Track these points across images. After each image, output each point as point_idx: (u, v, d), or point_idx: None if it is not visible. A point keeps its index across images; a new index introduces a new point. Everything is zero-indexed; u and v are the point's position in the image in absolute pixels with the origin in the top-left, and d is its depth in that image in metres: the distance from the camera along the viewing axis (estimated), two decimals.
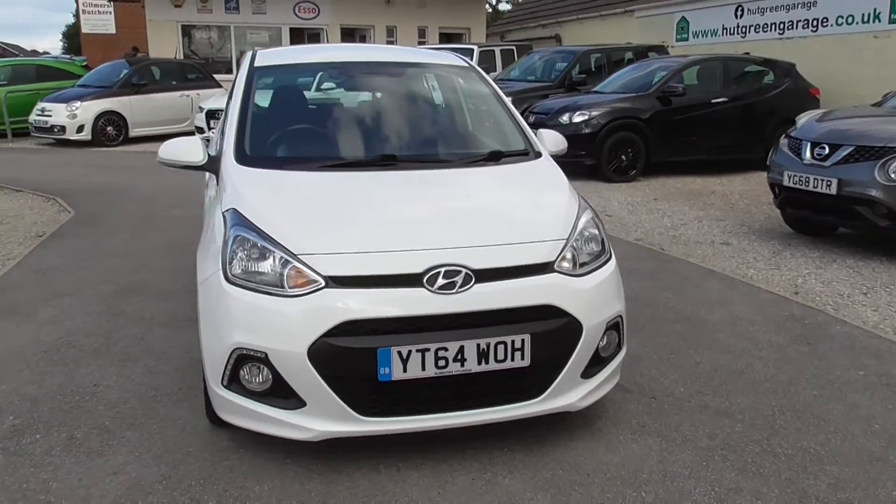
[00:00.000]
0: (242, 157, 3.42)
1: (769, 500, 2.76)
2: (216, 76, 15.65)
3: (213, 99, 13.67)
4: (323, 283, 2.71)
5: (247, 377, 2.78)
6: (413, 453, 3.01)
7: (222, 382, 2.82)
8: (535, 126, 10.22)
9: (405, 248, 2.81)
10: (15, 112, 14.60)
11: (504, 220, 3.10)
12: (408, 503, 2.73)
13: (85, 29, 29.95)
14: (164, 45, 17.63)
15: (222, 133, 3.74)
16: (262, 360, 2.71)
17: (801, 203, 6.40)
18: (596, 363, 3.06)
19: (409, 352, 2.67)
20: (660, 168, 10.50)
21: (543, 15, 21.56)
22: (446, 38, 20.29)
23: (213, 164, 3.56)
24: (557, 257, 2.95)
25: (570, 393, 2.98)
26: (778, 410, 3.44)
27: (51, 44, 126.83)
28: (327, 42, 19.18)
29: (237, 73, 4.00)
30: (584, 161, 10.06)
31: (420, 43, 19.11)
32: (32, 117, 14.28)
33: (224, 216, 3.05)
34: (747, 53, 12.56)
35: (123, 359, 3.98)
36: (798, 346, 4.20)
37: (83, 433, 3.21)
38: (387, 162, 3.48)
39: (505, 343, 2.76)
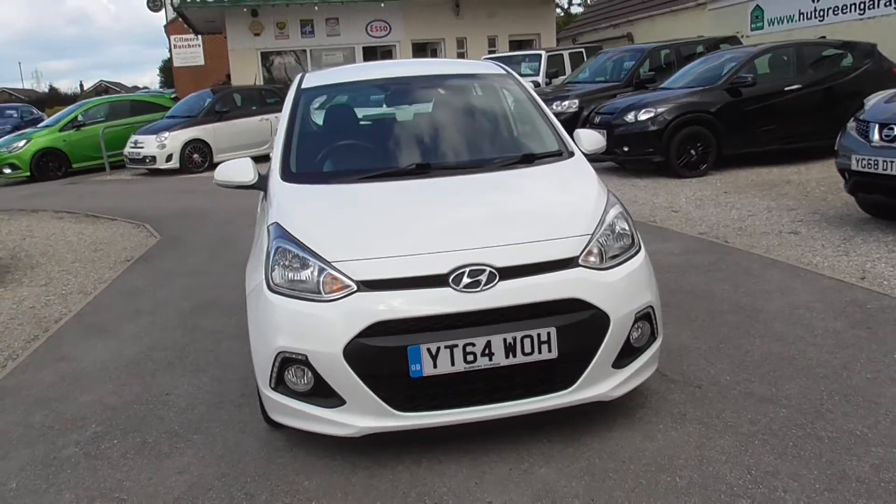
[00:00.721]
0: (287, 175, 3.65)
1: (807, 482, 2.75)
2: None
3: None
4: (355, 288, 2.89)
5: (292, 379, 2.97)
6: (453, 447, 3.13)
7: (270, 385, 3.03)
8: (601, 127, 10.34)
9: (431, 250, 2.96)
10: (112, 146, 15.60)
11: (530, 218, 3.20)
12: (446, 492, 2.86)
13: (176, 62, 31.60)
14: (246, 71, 18.45)
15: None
16: (303, 361, 2.90)
17: (872, 187, 6.18)
18: (628, 353, 3.11)
19: (438, 348, 2.81)
20: (733, 161, 10.26)
21: (615, 15, 21.39)
22: (517, 45, 20.39)
23: (262, 183, 3.81)
24: (582, 252, 3.03)
25: (601, 383, 3.04)
26: (826, 395, 3.39)
27: (150, 79, 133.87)
28: (399, 59, 19.62)
29: (287, 96, 4.26)
30: (652, 158, 9.97)
31: (490, 52, 19.26)
32: (126, 150, 15.20)
33: (268, 230, 3.28)
34: (823, 37, 12.12)
35: (194, 369, 4.27)
36: (856, 331, 4.10)
37: (154, 437, 3.48)
38: (421, 170, 3.64)
39: (531, 336, 2.86)
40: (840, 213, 7.11)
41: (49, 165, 15.49)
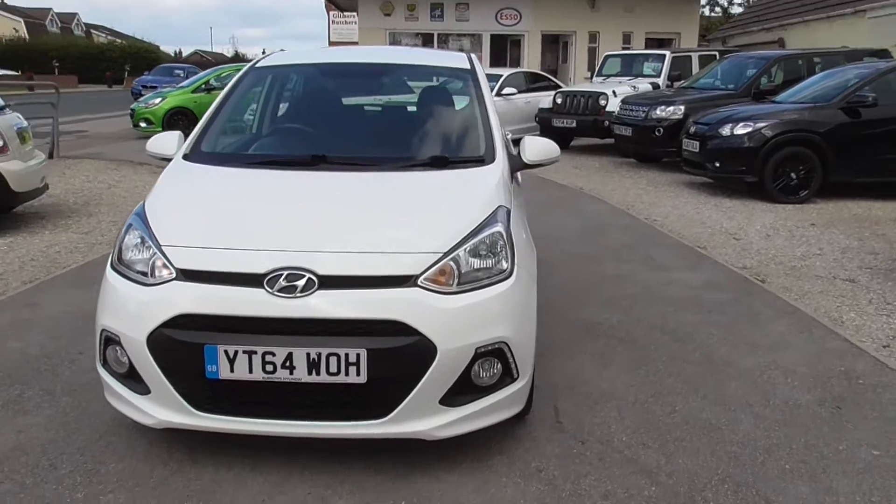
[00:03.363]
0: (194, 153, 3.53)
1: None
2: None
3: None
4: (174, 276, 2.73)
5: (112, 358, 2.87)
6: (281, 458, 2.92)
7: (98, 361, 2.95)
8: (695, 137, 9.57)
9: (257, 247, 2.74)
10: None
11: (383, 226, 2.90)
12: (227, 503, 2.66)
13: (333, 37, 32.82)
14: None
15: None
16: (118, 343, 2.79)
17: None
18: (465, 391, 2.75)
19: (236, 352, 2.60)
20: (844, 189, 9.17)
21: (768, 18, 19.80)
22: (656, 43, 19.32)
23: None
24: (424, 271, 2.70)
25: (424, 419, 2.71)
26: (717, 481, 2.86)
27: None
28: (527, 49, 19.20)
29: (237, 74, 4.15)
30: (744, 178, 9.10)
31: (624, 48, 18.40)
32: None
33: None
34: None
35: None
36: (820, 409, 3.45)
37: (31, 394, 3.49)
38: (316, 162, 3.40)
39: (338, 355, 2.59)
40: None
41: (179, 123, 16.42)
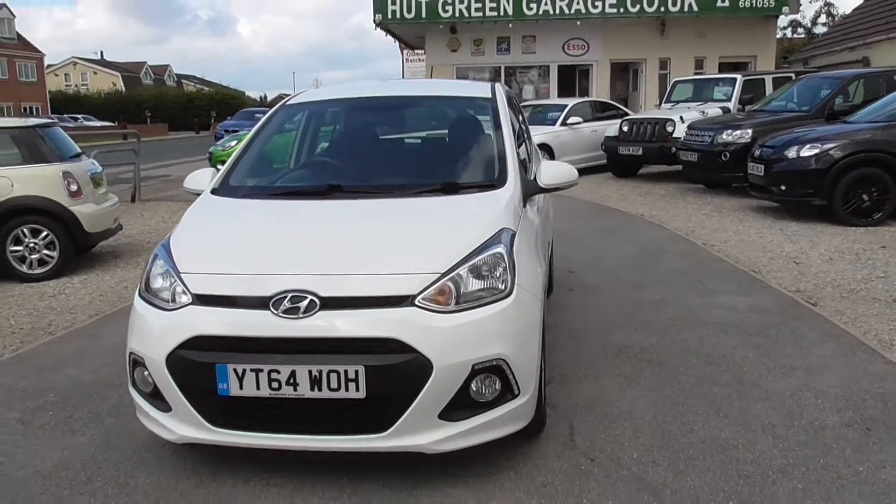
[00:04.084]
0: (222, 187, 3.78)
1: None
2: None
3: None
4: (190, 301, 2.94)
5: (139, 379, 3.10)
6: (294, 471, 3.07)
7: (129, 382, 3.18)
8: (761, 160, 9.36)
9: (265, 272, 2.92)
10: None
11: (384, 249, 3.03)
12: None
13: (406, 75, 33.68)
14: None
15: None
16: (143, 364, 3.01)
17: None
18: (464, 407, 2.84)
19: (245, 370, 2.77)
20: None
21: (852, 37, 19.15)
22: (730, 67, 18.95)
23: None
24: (422, 291, 2.82)
25: (423, 433, 2.80)
26: (724, 498, 2.83)
27: None
28: (596, 79, 19.18)
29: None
30: (811, 201, 8.82)
31: (696, 73, 18.13)
32: None
33: None
34: None
35: None
36: (846, 430, 3.35)
37: (80, 415, 3.77)
38: (332, 191, 3.59)
39: (338, 372, 2.72)
40: None
41: None
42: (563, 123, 14.67)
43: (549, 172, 3.79)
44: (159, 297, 3.06)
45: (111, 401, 3.95)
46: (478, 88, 4.37)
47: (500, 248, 3.03)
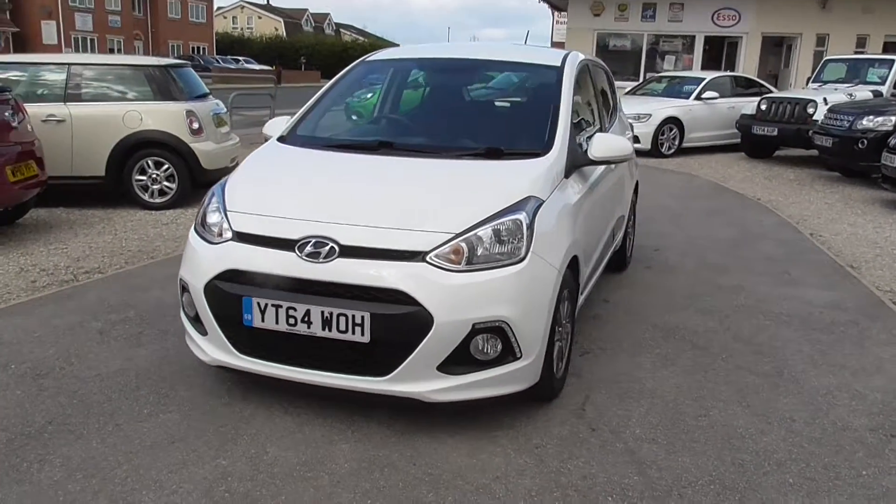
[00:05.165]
0: (289, 135, 4.04)
1: None
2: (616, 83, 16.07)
3: None
4: (231, 237, 3.24)
5: (185, 303, 3.45)
6: (306, 405, 3.35)
7: (180, 307, 3.55)
8: (894, 151, 8.68)
9: (296, 217, 3.16)
10: None
11: (408, 206, 3.17)
12: (249, 436, 3.11)
13: (555, 38, 33.21)
14: (581, 51, 18.64)
15: None
16: (188, 291, 3.35)
17: None
18: (463, 362, 2.98)
19: (266, 304, 3.04)
20: None
21: None
22: None
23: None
24: (435, 248, 2.97)
25: (421, 382, 2.98)
26: (707, 482, 2.84)
27: None
28: (744, 52, 18.15)
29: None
30: None
31: (857, 52, 16.75)
32: None
33: None
34: None
35: None
36: (868, 434, 3.23)
37: (152, 331, 4.23)
38: (383, 147, 3.77)
39: (346, 316, 2.94)
40: None
41: None
42: (698, 98, 14.08)
43: (601, 145, 3.79)
44: (209, 230, 3.37)
45: (179, 323, 4.37)
46: (551, 57, 4.37)
47: (520, 216, 3.11)
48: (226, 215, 3.32)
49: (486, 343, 2.99)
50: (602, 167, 4.17)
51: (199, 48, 61.12)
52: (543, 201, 3.28)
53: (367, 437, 3.12)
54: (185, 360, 3.79)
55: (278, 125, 4.23)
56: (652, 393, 3.59)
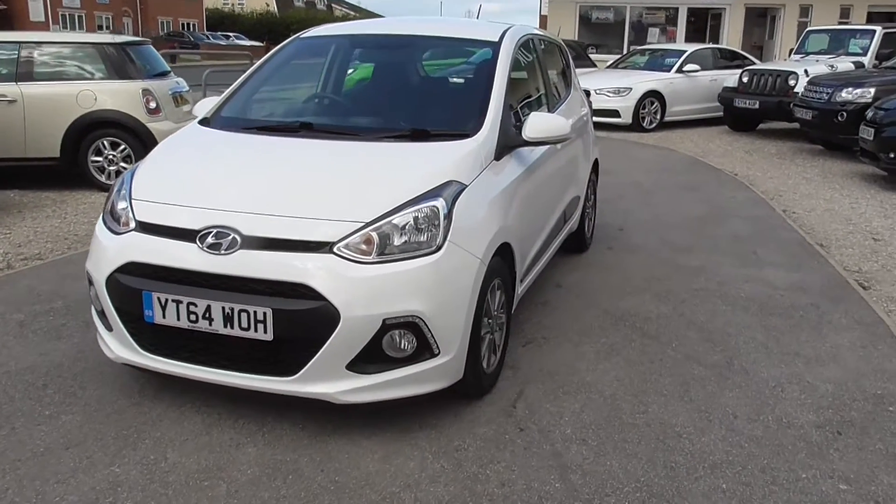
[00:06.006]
0: (213, 117, 3.80)
1: None
2: (599, 56, 15.83)
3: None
4: (133, 227, 3.02)
5: (92, 297, 3.24)
6: (222, 403, 3.15)
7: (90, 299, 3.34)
8: (872, 124, 8.48)
9: (198, 205, 2.94)
10: None
11: (317, 193, 2.96)
12: (154, 440, 2.91)
13: (543, 11, 32.73)
14: (564, 24, 18.31)
15: None
16: (92, 283, 3.14)
17: None
18: (375, 360, 2.79)
19: (167, 300, 2.84)
20: None
21: None
22: (884, 17, 17.08)
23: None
24: (343, 239, 2.76)
25: (329, 382, 2.78)
26: (633, 489, 2.65)
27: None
28: (728, 24, 17.84)
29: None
30: None
31: (841, 23, 16.45)
32: None
33: None
34: None
35: None
36: (813, 432, 3.05)
37: (77, 323, 4.02)
38: (302, 129, 3.54)
39: (248, 312, 2.74)
40: None
41: None
42: (679, 71, 13.81)
43: (536, 125, 3.57)
44: (115, 219, 3.15)
45: None
46: (488, 31, 4.10)
47: (437, 202, 2.90)
48: (130, 203, 3.10)
49: (399, 339, 2.80)
50: (545, 147, 3.94)
51: (189, 24, 60.35)
52: (466, 186, 3.06)
53: (277, 438, 2.93)
54: (102, 356, 3.56)
55: (207, 106, 3.99)
56: (590, 387, 3.41)
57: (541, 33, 4.92)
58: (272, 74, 4.13)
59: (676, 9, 18.39)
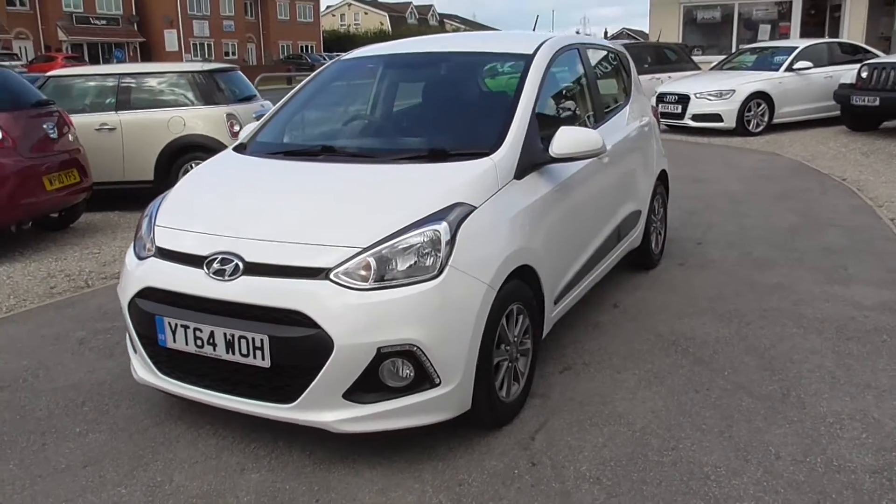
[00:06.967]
0: (251, 143, 3.84)
1: None
2: (705, 57, 15.11)
3: (670, 82, 13.52)
4: (153, 252, 3.10)
5: (124, 319, 3.33)
6: (239, 426, 3.16)
7: None
8: None
9: (209, 231, 2.97)
10: None
11: (321, 219, 2.92)
12: (170, 459, 2.95)
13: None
14: (666, 26, 17.62)
15: None
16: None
17: None
18: (372, 389, 2.71)
19: (176, 325, 2.88)
20: None
21: None
22: None
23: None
24: (340, 265, 2.70)
25: (326, 411, 2.73)
26: None
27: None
28: (848, 15, 16.60)
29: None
30: None
31: None
32: None
33: None
34: None
35: None
36: (866, 477, 2.70)
37: None
38: (325, 152, 3.52)
39: (247, 339, 2.73)
40: None
41: None
42: (789, 69, 12.99)
43: (564, 141, 3.38)
44: (141, 245, 3.23)
45: None
46: (523, 44, 3.92)
47: (439, 226, 2.79)
48: (153, 229, 3.17)
49: (398, 368, 2.71)
50: (586, 161, 3.74)
51: (307, 46, 62.91)
52: (475, 207, 2.94)
53: (282, 465, 2.90)
54: None
55: (247, 131, 4.06)
56: (620, 419, 3.18)
57: (594, 41, 4.72)
58: (312, 97, 4.15)
59: (790, 2, 17.29)
